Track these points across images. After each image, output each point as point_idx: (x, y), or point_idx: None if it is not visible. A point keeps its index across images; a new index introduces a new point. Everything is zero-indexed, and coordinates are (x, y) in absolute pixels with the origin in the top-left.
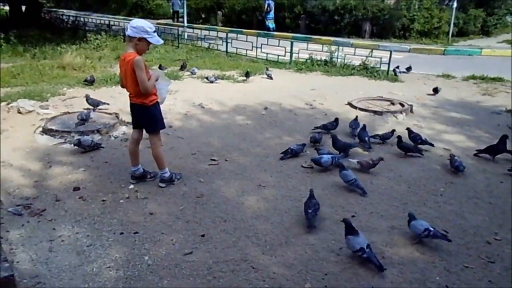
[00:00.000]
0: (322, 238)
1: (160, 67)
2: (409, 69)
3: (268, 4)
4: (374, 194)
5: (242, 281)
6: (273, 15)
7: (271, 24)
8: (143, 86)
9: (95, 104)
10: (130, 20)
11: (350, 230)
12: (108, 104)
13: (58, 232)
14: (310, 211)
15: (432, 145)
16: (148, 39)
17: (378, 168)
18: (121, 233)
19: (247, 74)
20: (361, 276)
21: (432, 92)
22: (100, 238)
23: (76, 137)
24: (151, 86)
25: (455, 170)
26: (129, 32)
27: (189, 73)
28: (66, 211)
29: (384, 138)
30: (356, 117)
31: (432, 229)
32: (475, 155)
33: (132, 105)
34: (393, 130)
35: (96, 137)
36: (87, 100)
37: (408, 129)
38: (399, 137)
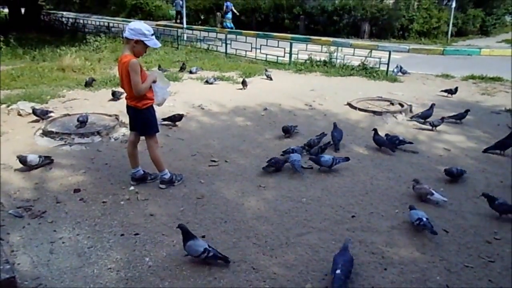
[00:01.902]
0: (322, 238)
1: (159, 68)
2: (403, 71)
3: (227, 6)
4: (374, 194)
5: (242, 282)
6: (231, 16)
7: (229, 23)
8: (136, 89)
9: (43, 113)
10: (130, 22)
11: (188, 236)
12: (53, 111)
13: (59, 234)
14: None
15: (411, 143)
16: (146, 42)
17: (378, 168)
18: (122, 235)
19: (243, 82)
20: (362, 276)
21: (447, 94)
22: (101, 240)
23: (71, 141)
24: (144, 89)
25: (458, 176)
26: (126, 34)
27: (189, 72)
28: (66, 213)
29: (459, 117)
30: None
31: (425, 219)
32: (484, 152)
33: (127, 107)
34: (467, 110)
35: (96, 139)
36: (34, 113)
37: (374, 129)
38: (374, 130)
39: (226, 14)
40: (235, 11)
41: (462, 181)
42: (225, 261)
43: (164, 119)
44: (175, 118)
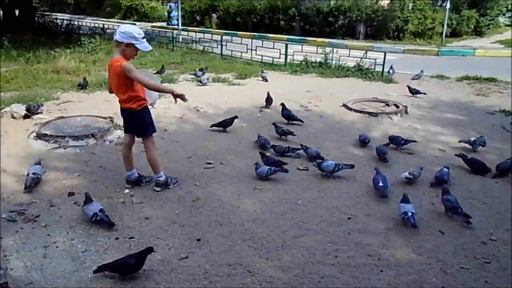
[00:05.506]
0: (318, 240)
1: (162, 69)
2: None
3: (170, 6)
4: (370, 195)
5: (238, 285)
6: (176, 14)
7: (174, 21)
8: (146, 84)
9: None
10: (125, 23)
11: (88, 201)
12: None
13: (53, 238)
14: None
15: (414, 141)
16: (136, 45)
17: (373, 169)
18: (116, 238)
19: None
20: (358, 278)
21: (410, 94)
22: (95, 244)
23: (65, 143)
24: (153, 82)
25: (444, 183)
26: (117, 37)
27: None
28: (60, 216)
29: None
30: None
31: (410, 213)
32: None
33: (122, 110)
34: None
35: (91, 142)
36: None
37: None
38: (282, 104)
39: (170, 13)
40: (174, 11)
41: (458, 182)
42: (110, 225)
43: (213, 125)
44: (226, 124)
